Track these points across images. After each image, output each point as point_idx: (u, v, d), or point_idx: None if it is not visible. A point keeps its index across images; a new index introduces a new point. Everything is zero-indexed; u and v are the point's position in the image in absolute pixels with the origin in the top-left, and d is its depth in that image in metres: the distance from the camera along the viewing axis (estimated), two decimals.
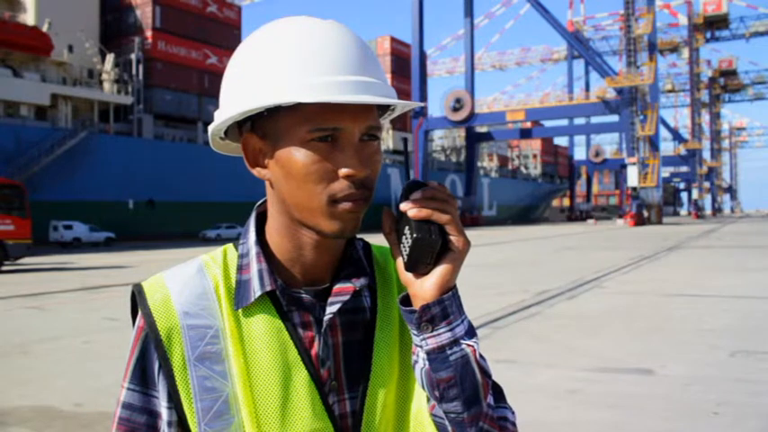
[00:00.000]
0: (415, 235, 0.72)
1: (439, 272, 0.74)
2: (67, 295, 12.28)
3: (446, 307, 0.74)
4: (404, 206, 0.74)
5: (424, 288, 0.74)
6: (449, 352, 0.74)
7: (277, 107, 0.74)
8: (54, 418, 4.69)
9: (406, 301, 0.77)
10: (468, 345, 0.75)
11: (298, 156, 0.75)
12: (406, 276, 0.76)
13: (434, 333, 0.74)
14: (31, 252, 19.60)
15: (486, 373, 0.77)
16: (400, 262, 0.76)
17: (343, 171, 0.75)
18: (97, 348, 7.12)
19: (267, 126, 0.77)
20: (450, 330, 0.74)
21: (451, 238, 0.74)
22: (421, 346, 0.75)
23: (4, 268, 18.43)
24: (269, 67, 0.75)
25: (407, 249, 0.74)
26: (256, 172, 0.80)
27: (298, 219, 0.79)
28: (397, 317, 0.86)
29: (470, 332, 0.76)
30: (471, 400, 0.74)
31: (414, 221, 0.73)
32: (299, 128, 0.75)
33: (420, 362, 0.76)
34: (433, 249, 0.73)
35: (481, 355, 0.77)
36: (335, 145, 0.75)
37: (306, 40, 0.76)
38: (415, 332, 0.75)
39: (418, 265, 0.74)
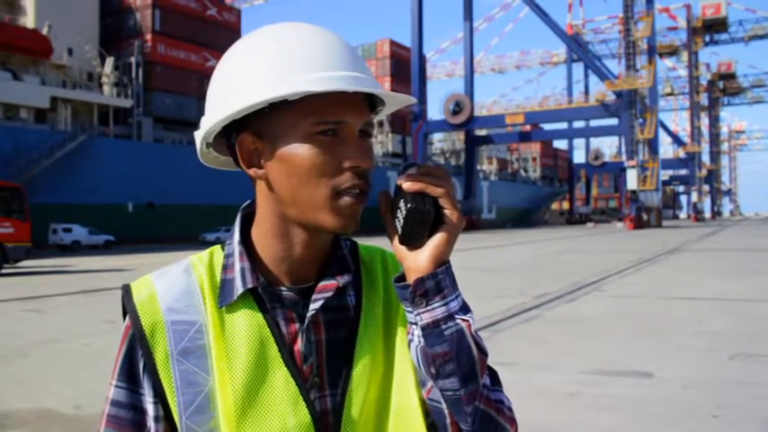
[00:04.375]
0: (408, 205, 0.74)
1: (433, 243, 0.75)
2: (67, 298, 12.26)
3: (440, 281, 0.75)
4: (399, 180, 0.76)
5: (418, 261, 0.75)
6: (443, 327, 0.74)
7: (279, 102, 0.75)
8: (53, 421, 4.69)
9: (401, 279, 0.78)
10: (463, 320, 0.75)
11: (301, 150, 0.76)
12: (401, 250, 0.77)
13: (429, 308, 0.74)
14: (31, 255, 19.60)
15: (482, 350, 0.76)
16: (396, 239, 0.77)
17: (347, 163, 0.76)
18: (96, 351, 7.11)
19: (264, 124, 0.77)
20: (445, 305, 0.74)
21: (445, 211, 0.75)
22: (415, 323, 0.76)
23: (4, 271, 18.38)
24: (271, 64, 0.76)
25: (401, 221, 0.75)
26: (252, 172, 0.80)
27: (294, 218, 0.80)
28: (381, 315, 0.86)
29: (465, 308, 0.77)
30: (468, 376, 0.74)
31: (408, 194, 0.74)
32: (302, 122, 0.75)
33: (415, 339, 0.76)
34: (426, 220, 0.75)
35: (476, 332, 0.77)
36: (337, 139, 0.77)
37: (303, 39, 0.77)
38: (410, 308, 0.76)
39: (412, 237, 0.76)
